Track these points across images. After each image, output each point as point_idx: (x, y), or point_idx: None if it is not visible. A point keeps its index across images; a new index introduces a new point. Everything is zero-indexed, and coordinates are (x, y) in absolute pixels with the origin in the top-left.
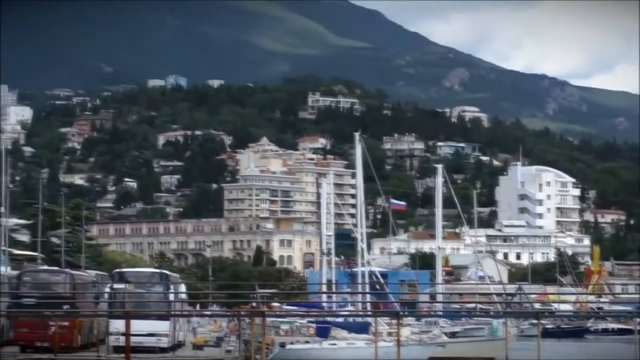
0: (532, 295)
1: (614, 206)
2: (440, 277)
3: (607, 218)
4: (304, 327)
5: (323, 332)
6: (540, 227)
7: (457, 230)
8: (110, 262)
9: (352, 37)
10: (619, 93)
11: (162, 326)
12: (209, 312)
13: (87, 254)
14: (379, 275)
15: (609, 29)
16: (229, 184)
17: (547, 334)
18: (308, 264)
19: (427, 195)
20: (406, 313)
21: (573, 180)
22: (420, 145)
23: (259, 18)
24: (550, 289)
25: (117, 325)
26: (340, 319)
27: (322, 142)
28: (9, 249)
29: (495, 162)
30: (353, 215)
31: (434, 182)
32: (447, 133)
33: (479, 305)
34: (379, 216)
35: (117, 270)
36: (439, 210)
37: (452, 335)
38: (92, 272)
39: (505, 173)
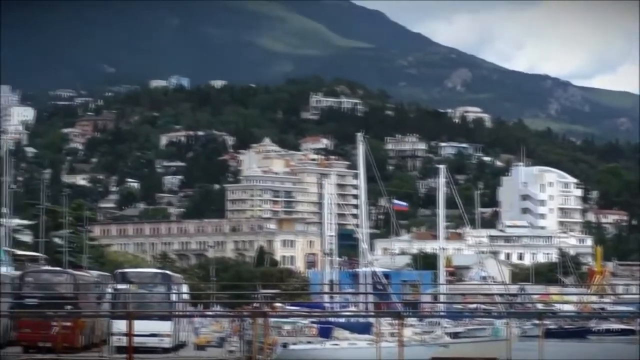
0: (535, 296)
1: (617, 207)
2: (442, 277)
3: (610, 218)
4: (306, 328)
5: (325, 333)
6: (543, 228)
7: (460, 231)
8: (112, 262)
9: (354, 38)
10: (621, 93)
11: (165, 326)
12: (211, 313)
13: (90, 254)
14: (381, 276)
15: (611, 29)
16: (231, 185)
17: (549, 334)
18: (310, 264)
19: (430, 196)
20: (409, 313)
21: (575, 180)
22: (422, 146)
23: (261, 18)
24: (553, 289)
25: (120, 325)
26: (342, 320)
27: (324, 142)
28: (12, 250)
29: (498, 163)
30: (355, 216)
31: (437, 182)
32: (450, 133)
33: (482, 306)
34: (381, 216)
35: (120, 270)
36: (441, 211)
37: (455, 335)
38: (95, 273)
39: (507, 173)
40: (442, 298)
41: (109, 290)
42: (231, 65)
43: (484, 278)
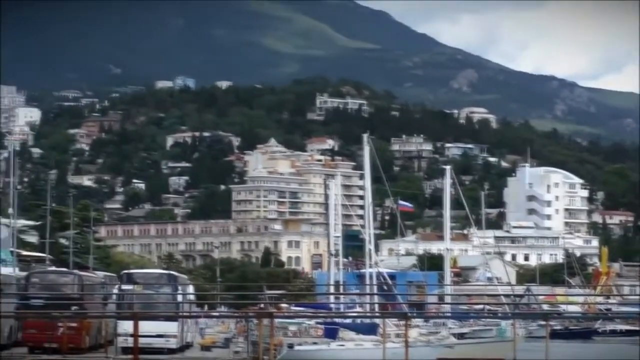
0: (540, 297)
1: (623, 207)
2: (448, 278)
3: (616, 219)
4: (312, 328)
5: (331, 333)
6: (549, 229)
7: (465, 232)
8: (118, 263)
9: (359, 38)
10: (627, 94)
11: (171, 327)
12: (217, 313)
13: (96, 255)
14: (387, 277)
15: (617, 29)
16: (237, 185)
17: (555, 335)
18: (316, 265)
19: (436, 197)
20: (414, 314)
21: (581, 181)
22: (428, 147)
23: (266, 19)
24: (559, 290)
25: (126, 326)
26: (348, 320)
27: (330, 143)
28: (18, 250)
29: (504, 164)
30: (361, 217)
31: (442, 183)
32: (456, 134)
33: (487, 307)
34: (387, 217)
35: (125, 271)
36: (447, 212)
37: (461, 336)
38: (101, 273)
39: (513, 174)
40: (447, 299)
41: (115, 291)
42: (237, 66)
43: (490, 279)
